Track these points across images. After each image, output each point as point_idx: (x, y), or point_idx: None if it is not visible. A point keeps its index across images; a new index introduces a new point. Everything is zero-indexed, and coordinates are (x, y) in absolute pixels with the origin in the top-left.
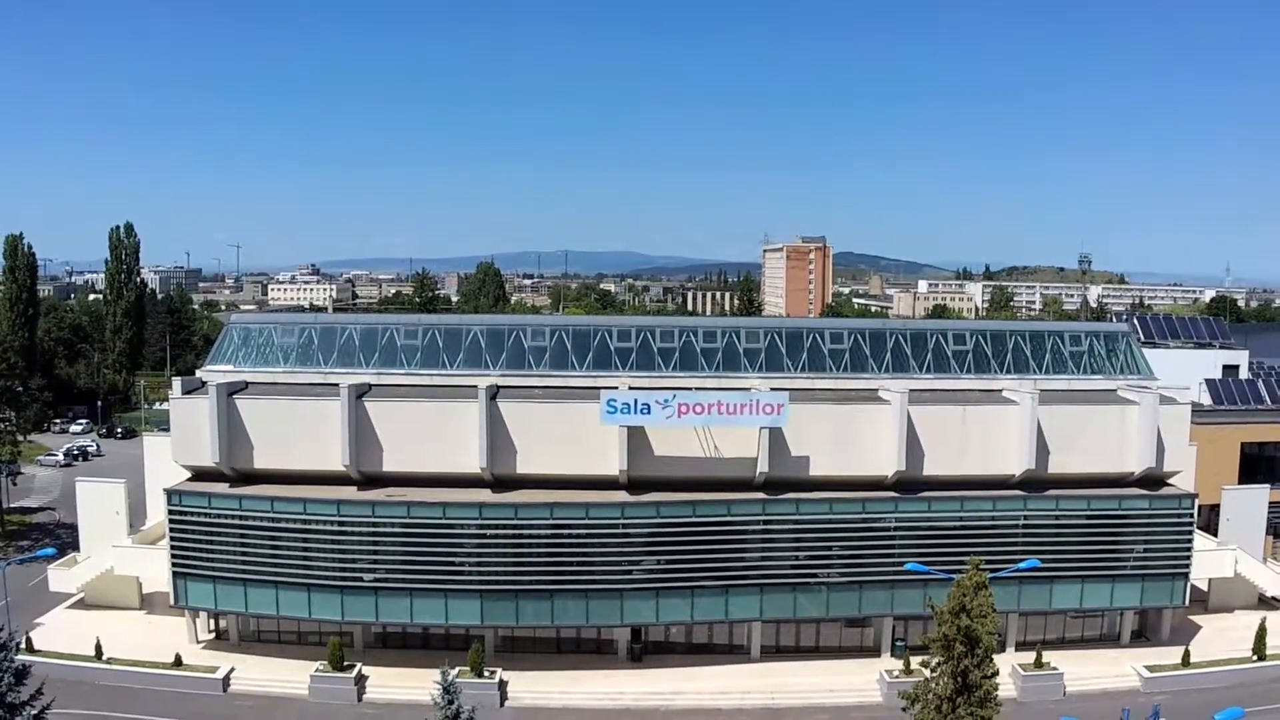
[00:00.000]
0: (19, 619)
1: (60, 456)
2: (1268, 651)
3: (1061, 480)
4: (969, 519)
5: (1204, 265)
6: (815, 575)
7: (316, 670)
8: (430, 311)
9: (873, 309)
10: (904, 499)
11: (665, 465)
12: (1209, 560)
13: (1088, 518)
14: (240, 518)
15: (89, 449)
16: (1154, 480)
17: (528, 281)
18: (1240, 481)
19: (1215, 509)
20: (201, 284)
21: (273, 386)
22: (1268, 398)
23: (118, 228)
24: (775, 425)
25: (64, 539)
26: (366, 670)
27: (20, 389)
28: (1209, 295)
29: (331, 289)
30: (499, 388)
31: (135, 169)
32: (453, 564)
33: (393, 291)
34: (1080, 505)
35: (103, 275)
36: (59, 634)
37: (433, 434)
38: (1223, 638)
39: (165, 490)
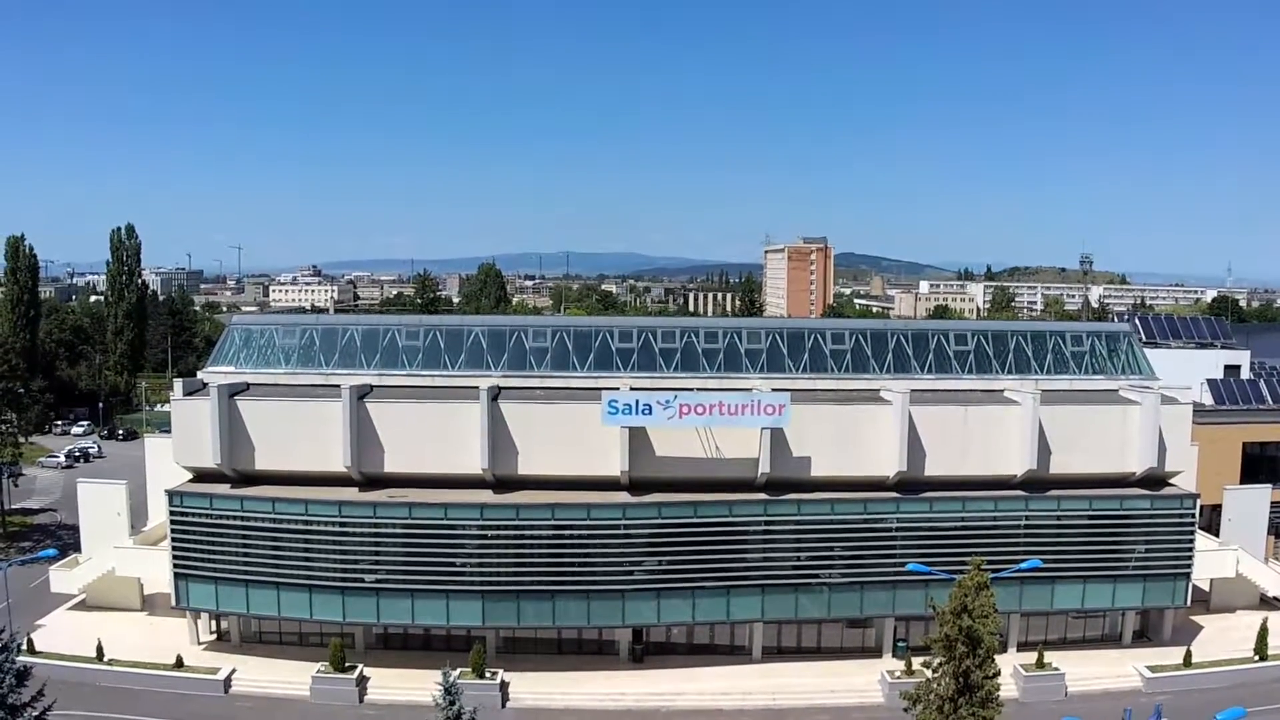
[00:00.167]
0: (20, 620)
1: (62, 458)
2: (1269, 652)
3: (1063, 480)
4: (970, 519)
5: (1205, 265)
6: (817, 576)
7: (318, 671)
8: (432, 312)
9: (874, 310)
10: (906, 499)
11: (667, 466)
12: (1211, 560)
13: (1089, 518)
14: (242, 519)
15: (90, 450)
16: (1156, 480)
17: (529, 282)
18: (1242, 481)
19: (1217, 509)
20: (203, 285)
21: (274, 388)
22: (1269, 398)
23: (119, 229)
24: (777, 426)
25: (65, 540)
26: (368, 671)
27: (22, 390)
28: (1210, 295)
29: (333, 290)
30: (500, 389)
31: (136, 170)
32: (454, 565)
33: (394, 293)
34: (1082, 505)
35: (104, 277)
36: (60, 635)
37: (434, 435)
38: (1224, 638)
39: (166, 491)
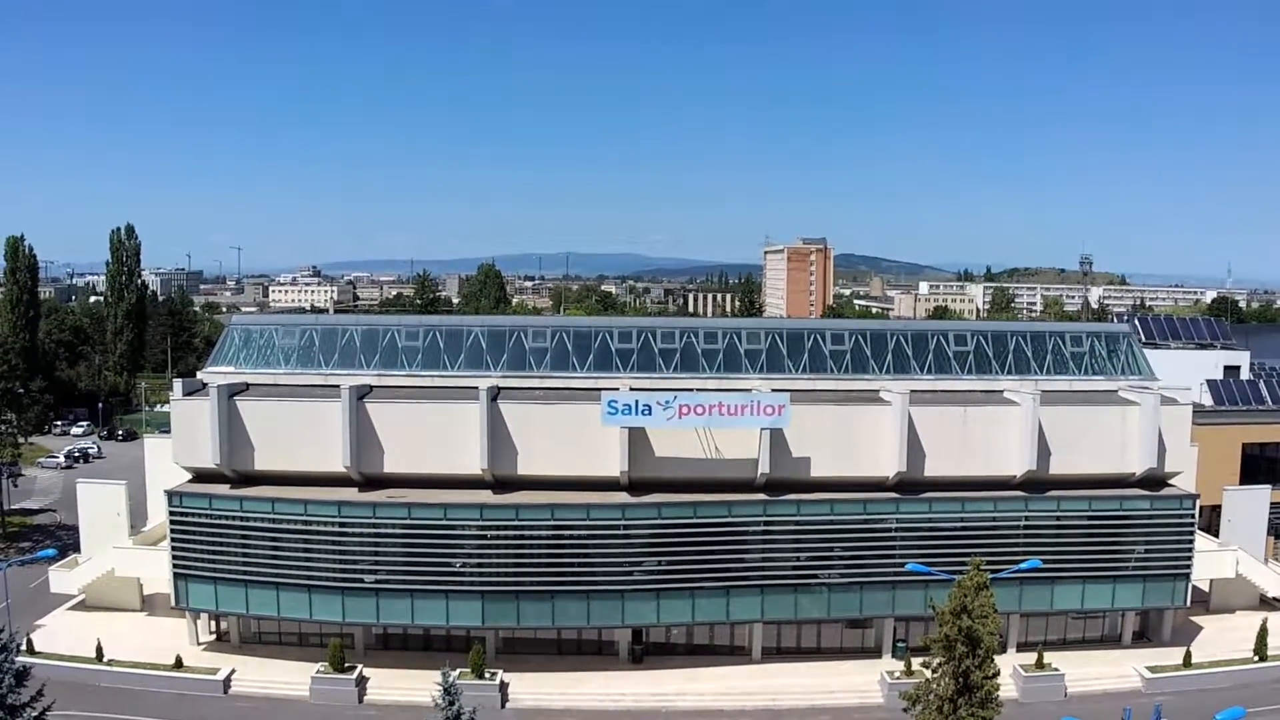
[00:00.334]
0: (20, 620)
1: (61, 458)
2: (1269, 652)
3: (1063, 481)
4: (970, 520)
5: (1205, 266)
6: (816, 576)
7: (317, 672)
8: (431, 313)
9: (874, 310)
10: (905, 500)
11: (666, 466)
12: (1210, 561)
13: (1089, 518)
14: (241, 519)
15: (90, 451)
16: (1155, 481)
17: (529, 283)
18: (1241, 482)
19: (1216, 510)
20: (202, 286)
21: (274, 388)
22: (1269, 398)
23: (118, 230)
24: (776, 426)
25: (65, 540)
26: (367, 672)
27: (21, 391)
28: (1210, 296)
29: (332, 290)
30: (500, 389)
31: (136, 170)
32: (454, 565)
33: (394, 293)
34: (1081, 506)
35: (104, 277)
36: (60, 635)
37: (434, 435)
38: (1224, 638)
39: (166, 492)
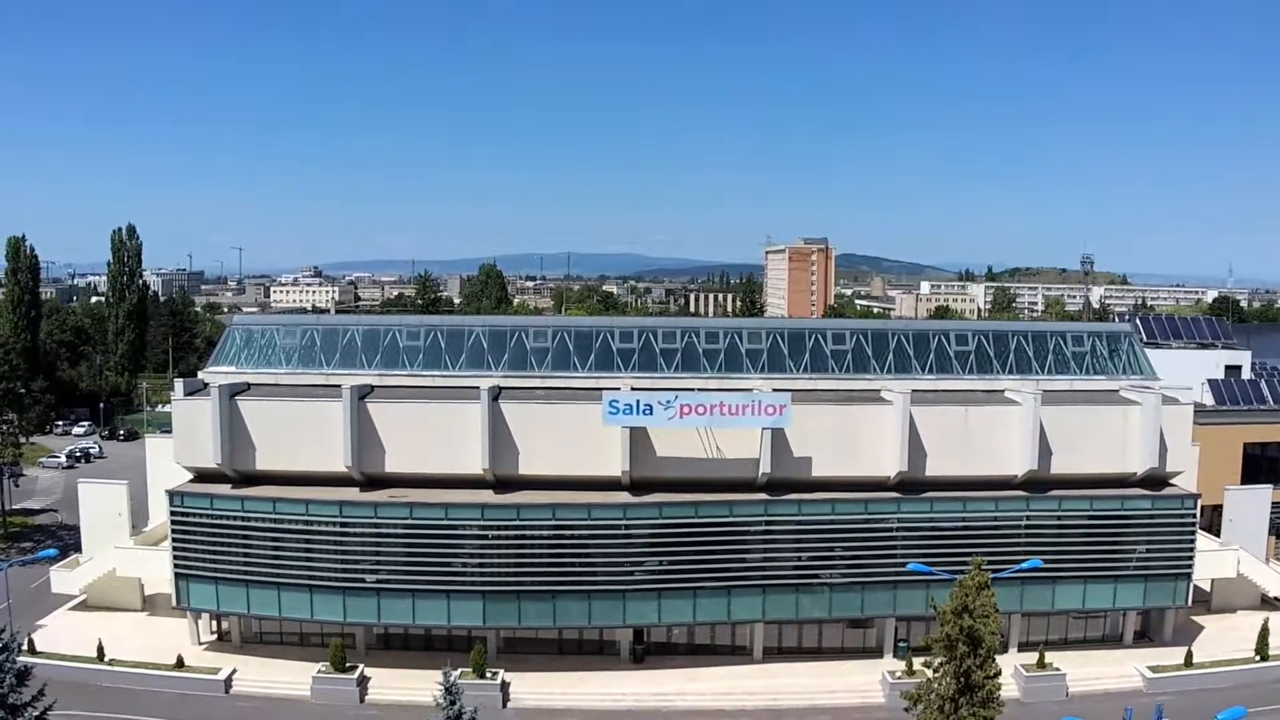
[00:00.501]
0: (21, 620)
1: (62, 458)
2: (1270, 652)
3: (1064, 481)
4: (971, 519)
5: (1206, 266)
6: (818, 576)
7: (318, 671)
8: (432, 313)
9: (875, 310)
10: (906, 499)
11: (667, 466)
12: (1212, 561)
13: (1090, 518)
14: (242, 519)
15: (91, 451)
16: (1157, 481)
17: (530, 283)
18: (1243, 482)
19: (1218, 509)
20: (204, 286)
21: (275, 388)
22: (1270, 398)
23: (120, 230)
24: (777, 426)
25: (66, 540)
26: (368, 671)
27: (23, 391)
28: (1211, 296)
29: (334, 291)
30: (501, 389)
31: (137, 171)
32: (455, 565)
33: (395, 293)
34: (1083, 506)
35: (105, 278)
36: (61, 635)
37: (435, 435)
38: (1225, 638)
39: (167, 492)
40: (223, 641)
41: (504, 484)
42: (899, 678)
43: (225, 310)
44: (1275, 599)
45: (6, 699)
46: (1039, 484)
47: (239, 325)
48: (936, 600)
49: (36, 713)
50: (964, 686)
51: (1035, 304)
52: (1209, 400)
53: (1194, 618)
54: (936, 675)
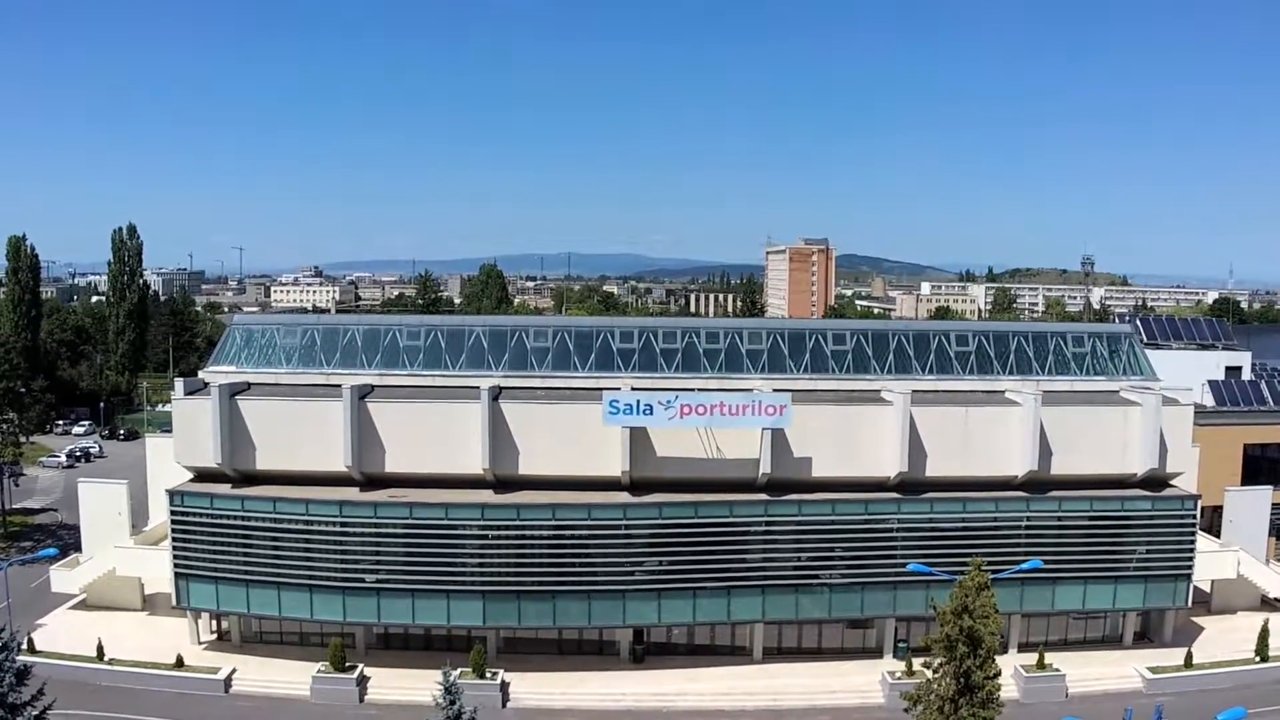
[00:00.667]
0: (21, 620)
1: (63, 458)
2: (1270, 653)
3: (1064, 481)
4: (971, 520)
5: (1207, 267)
6: (818, 576)
7: (318, 671)
8: (433, 313)
9: (875, 311)
10: (906, 500)
11: (667, 466)
12: (1212, 561)
13: (1090, 519)
14: (242, 519)
15: (91, 450)
16: (1157, 481)
17: (530, 283)
18: (1243, 483)
19: (1218, 510)
20: (204, 286)
21: (275, 387)
22: (1270, 399)
23: (120, 229)
24: (778, 426)
25: (66, 540)
26: (368, 671)
27: (23, 390)
28: (1212, 297)
29: (334, 290)
30: (501, 389)
31: (137, 170)
32: (455, 565)
33: (395, 293)
34: (1083, 506)
35: (105, 277)
36: (61, 635)
37: (435, 435)
38: (1225, 639)
39: (167, 491)
40: (222, 641)
41: (504, 484)
42: (899, 678)
43: (225, 310)
44: (1275, 600)
45: (6, 698)
46: (1039, 485)
47: (239, 325)
48: (936, 601)
49: (36, 712)
50: (964, 687)
51: (1036, 305)
52: (1209, 401)
53: (1194, 619)
54: (936, 676)
